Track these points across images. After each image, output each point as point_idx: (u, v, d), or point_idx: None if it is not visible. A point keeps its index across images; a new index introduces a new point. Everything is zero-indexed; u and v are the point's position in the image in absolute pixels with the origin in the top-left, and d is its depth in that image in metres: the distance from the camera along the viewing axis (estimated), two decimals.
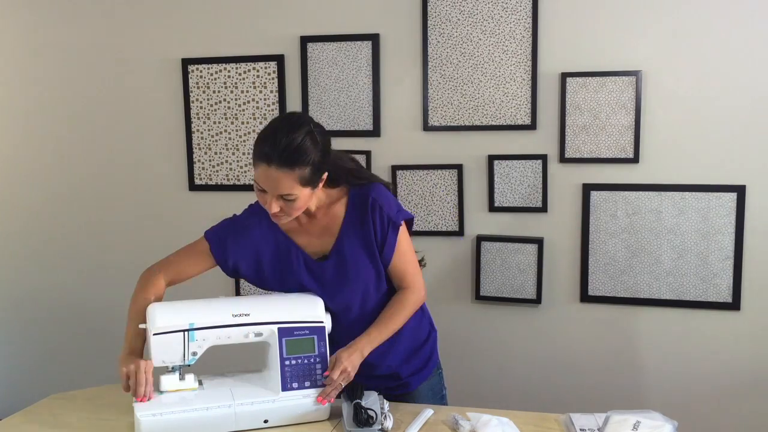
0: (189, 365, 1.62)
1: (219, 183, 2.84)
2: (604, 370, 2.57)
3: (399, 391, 1.78)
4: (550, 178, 2.52)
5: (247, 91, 2.76)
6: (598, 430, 1.51)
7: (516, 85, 2.50)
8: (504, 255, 2.57)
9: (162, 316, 1.58)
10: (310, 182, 1.54)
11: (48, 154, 3.04)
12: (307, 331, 1.63)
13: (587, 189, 2.49)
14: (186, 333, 1.58)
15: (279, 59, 2.71)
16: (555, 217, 2.54)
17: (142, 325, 1.60)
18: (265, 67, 2.74)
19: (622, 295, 2.50)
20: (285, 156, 1.47)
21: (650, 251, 2.46)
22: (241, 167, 2.81)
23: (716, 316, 2.44)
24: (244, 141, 2.79)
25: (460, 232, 2.62)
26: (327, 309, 1.68)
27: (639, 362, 2.53)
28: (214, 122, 2.82)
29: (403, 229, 1.70)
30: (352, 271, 1.68)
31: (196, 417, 1.54)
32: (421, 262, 1.81)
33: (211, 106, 2.81)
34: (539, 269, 2.54)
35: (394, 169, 2.64)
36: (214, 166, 2.84)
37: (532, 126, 2.50)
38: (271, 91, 2.74)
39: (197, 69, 2.80)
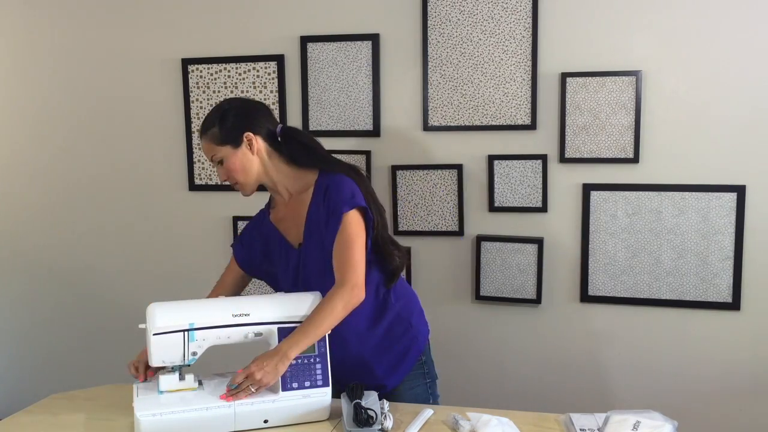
0: (189, 365, 1.62)
1: (219, 183, 2.84)
2: (604, 370, 2.57)
3: (378, 392, 1.74)
4: (550, 178, 2.52)
5: (247, 91, 2.76)
6: (598, 430, 1.51)
7: (516, 85, 2.50)
8: (504, 255, 2.57)
9: (162, 316, 1.58)
10: (226, 140, 1.72)
11: (47, 154, 3.04)
12: None
13: (587, 189, 2.49)
14: (186, 333, 1.58)
15: (279, 59, 2.71)
16: (555, 217, 2.54)
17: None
18: (265, 67, 2.74)
19: (622, 295, 2.50)
20: (201, 126, 1.78)
21: (650, 251, 2.46)
22: None
23: (716, 316, 2.44)
24: None
25: (460, 232, 2.62)
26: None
27: (639, 362, 2.53)
28: None
29: (350, 220, 1.66)
30: (319, 260, 1.71)
31: (196, 417, 1.54)
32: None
33: (211, 106, 2.81)
34: (539, 269, 2.54)
35: (394, 169, 2.64)
36: (214, 166, 2.84)
37: (532, 126, 2.50)
38: (271, 91, 2.74)
39: (197, 69, 2.80)
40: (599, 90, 2.43)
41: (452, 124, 2.57)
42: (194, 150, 2.85)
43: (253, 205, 2.82)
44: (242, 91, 2.77)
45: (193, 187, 2.88)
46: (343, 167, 1.77)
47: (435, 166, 2.61)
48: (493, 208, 2.58)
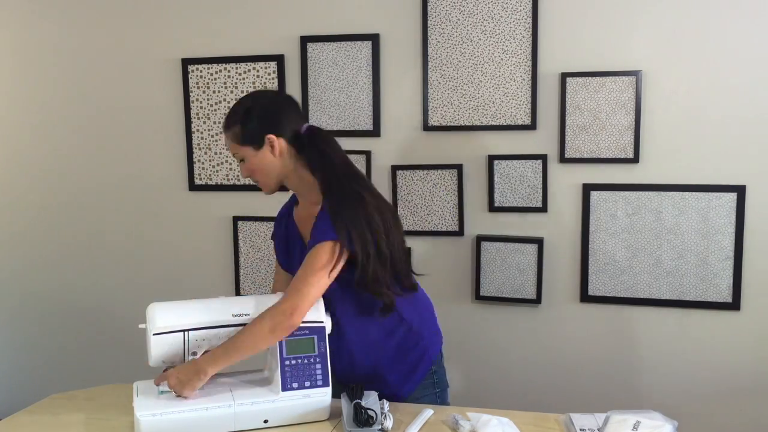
0: None
1: (219, 183, 2.84)
2: (604, 370, 2.57)
3: (391, 400, 1.72)
4: (550, 178, 2.52)
5: (247, 91, 2.76)
6: (598, 430, 1.51)
7: (516, 85, 2.50)
8: (504, 255, 2.57)
9: (162, 316, 1.58)
10: (248, 140, 1.66)
11: (48, 155, 3.04)
12: (307, 331, 1.63)
13: (587, 189, 2.49)
14: (186, 333, 1.58)
15: (279, 59, 2.71)
16: (555, 217, 2.54)
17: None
18: (265, 67, 2.74)
19: (622, 295, 2.50)
20: (224, 121, 1.72)
21: (650, 251, 2.46)
22: None
23: (716, 316, 2.44)
24: None
25: (460, 232, 2.62)
26: (327, 309, 1.68)
27: (639, 362, 2.53)
28: (214, 122, 2.82)
29: (322, 250, 1.58)
30: None
31: (196, 417, 1.54)
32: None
33: (211, 106, 2.81)
34: (539, 269, 2.54)
35: (394, 169, 2.64)
36: (214, 166, 2.84)
37: (532, 126, 2.50)
38: None
39: (197, 69, 2.80)
40: (599, 90, 2.43)
41: (452, 124, 2.57)
42: (194, 150, 2.85)
43: (253, 205, 2.83)
44: (242, 91, 2.77)
45: (193, 187, 2.88)
46: (343, 194, 1.63)
47: (435, 166, 2.61)
48: (493, 208, 2.58)
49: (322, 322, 1.64)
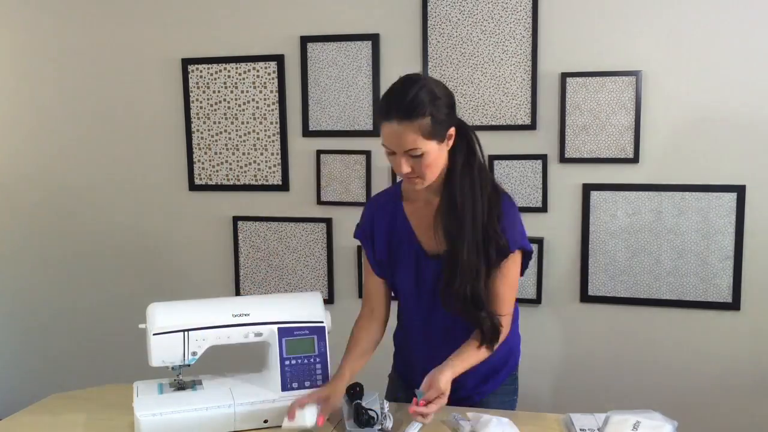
0: (189, 365, 1.62)
1: (219, 183, 2.84)
2: (604, 370, 2.57)
3: (463, 404, 1.71)
4: (550, 178, 2.52)
5: (247, 91, 2.76)
6: (598, 430, 1.51)
7: (516, 85, 2.50)
8: None
9: (162, 316, 1.58)
10: (434, 134, 1.50)
11: (47, 154, 3.04)
12: (307, 331, 1.63)
13: (587, 189, 2.49)
14: (186, 333, 1.58)
15: (279, 59, 2.71)
16: (555, 217, 2.54)
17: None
18: (265, 67, 2.73)
19: (622, 295, 2.50)
20: (402, 108, 1.47)
21: (650, 251, 2.46)
22: (241, 167, 2.81)
23: (716, 316, 2.44)
24: (244, 141, 2.79)
25: None
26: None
27: (639, 362, 2.53)
28: (214, 122, 2.82)
29: (515, 259, 1.64)
30: None
31: (196, 417, 1.54)
32: None
33: (211, 106, 2.81)
34: (539, 269, 2.54)
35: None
36: (214, 166, 2.84)
37: (532, 126, 2.50)
38: (271, 91, 2.74)
39: (197, 69, 2.80)
40: (599, 90, 2.43)
41: None
42: (194, 150, 2.85)
43: (253, 205, 2.83)
44: (242, 91, 2.77)
45: (193, 187, 2.88)
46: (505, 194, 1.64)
47: None
48: None
49: (321, 321, 1.64)
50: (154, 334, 1.57)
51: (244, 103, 2.77)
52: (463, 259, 1.53)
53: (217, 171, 2.84)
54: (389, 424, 1.55)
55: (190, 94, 2.82)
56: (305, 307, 1.65)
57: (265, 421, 1.59)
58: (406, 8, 2.58)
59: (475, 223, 1.55)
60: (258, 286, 2.83)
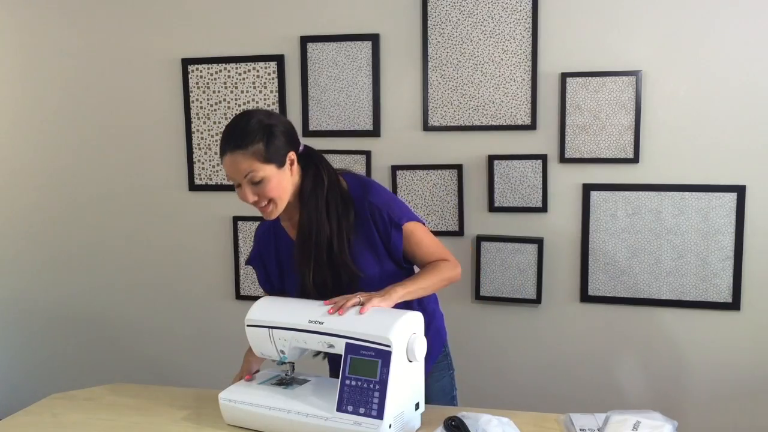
0: (284, 362, 1.64)
1: (219, 183, 2.84)
2: (604, 370, 2.57)
3: None
4: (550, 178, 2.52)
5: (247, 91, 2.76)
6: (598, 430, 1.51)
7: (516, 85, 2.50)
8: (504, 255, 2.57)
9: (255, 309, 1.62)
10: (270, 158, 1.57)
11: (47, 154, 3.04)
12: (373, 353, 1.50)
13: (587, 189, 2.49)
14: (270, 330, 1.60)
15: (279, 59, 2.71)
16: (555, 217, 2.54)
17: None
18: (265, 67, 2.74)
19: (622, 295, 2.50)
20: (235, 138, 1.57)
21: (650, 251, 2.46)
22: None
23: (716, 316, 2.44)
24: None
25: (460, 232, 2.62)
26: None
27: (639, 362, 2.53)
28: (214, 122, 2.82)
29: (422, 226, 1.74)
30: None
31: (258, 414, 1.56)
32: None
33: (211, 106, 2.81)
34: (539, 269, 2.54)
35: (394, 169, 2.64)
36: (214, 166, 2.84)
37: (532, 126, 2.50)
38: (271, 91, 2.74)
39: (197, 69, 2.80)
40: (599, 90, 2.43)
41: (452, 124, 2.57)
42: (194, 150, 2.85)
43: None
44: (242, 91, 2.77)
45: (193, 187, 2.88)
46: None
47: (435, 166, 2.61)
48: (493, 208, 2.58)
49: (389, 346, 1.49)
50: (247, 325, 1.60)
51: (244, 103, 2.77)
52: (310, 283, 1.66)
53: (217, 171, 2.84)
54: None
55: (190, 94, 2.82)
56: (377, 326, 1.51)
57: None
58: (406, 8, 2.58)
59: (319, 249, 1.64)
60: (258, 286, 2.83)
